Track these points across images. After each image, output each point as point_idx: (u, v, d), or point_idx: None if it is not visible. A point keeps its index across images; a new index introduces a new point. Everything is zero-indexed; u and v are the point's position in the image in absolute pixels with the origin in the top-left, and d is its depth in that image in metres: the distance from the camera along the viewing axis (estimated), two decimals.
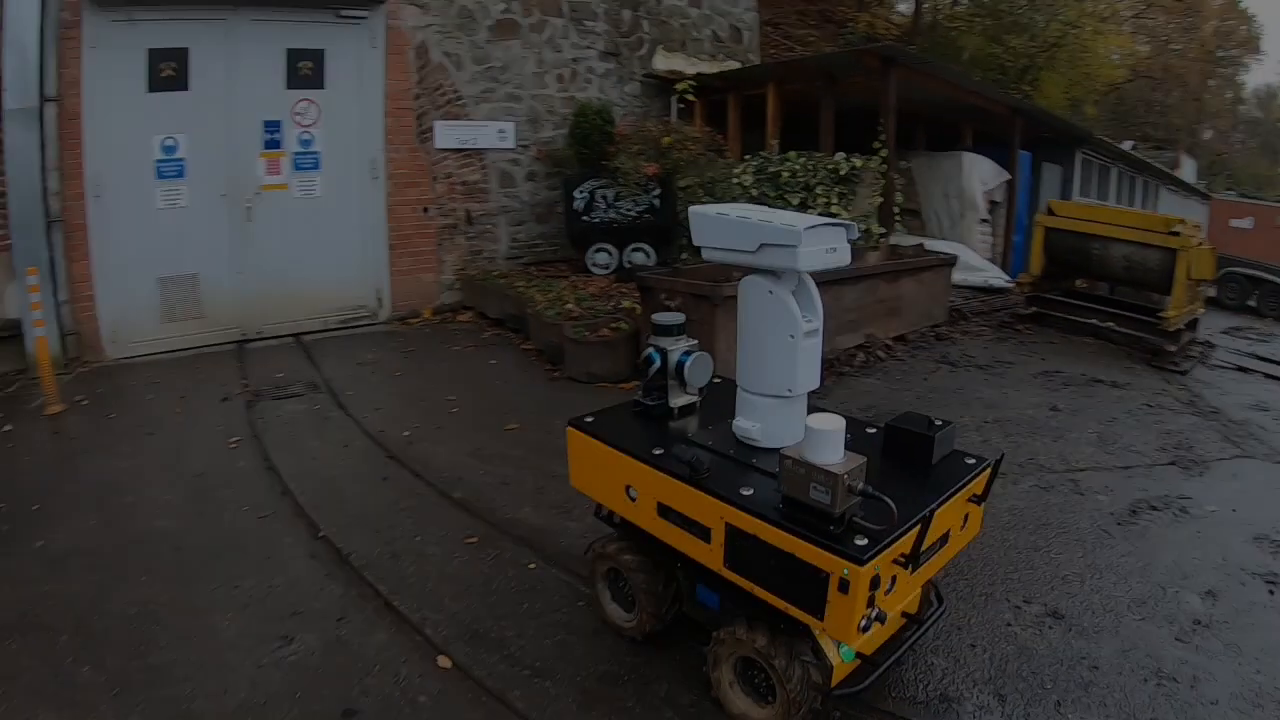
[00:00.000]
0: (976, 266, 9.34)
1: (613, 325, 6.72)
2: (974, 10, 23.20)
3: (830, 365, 6.43)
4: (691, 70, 10.43)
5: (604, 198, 8.86)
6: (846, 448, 2.35)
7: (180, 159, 8.16)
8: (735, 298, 5.25)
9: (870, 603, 2.20)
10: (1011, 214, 11.37)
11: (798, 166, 8.21)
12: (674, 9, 10.59)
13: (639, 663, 2.99)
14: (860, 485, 2.26)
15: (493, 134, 9.40)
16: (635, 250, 8.97)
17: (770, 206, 8.01)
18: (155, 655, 3.23)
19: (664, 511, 2.71)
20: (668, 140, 8.56)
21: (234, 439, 5.62)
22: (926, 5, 24.17)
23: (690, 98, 10.26)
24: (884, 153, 8.49)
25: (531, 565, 3.77)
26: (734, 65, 10.88)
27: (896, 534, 2.23)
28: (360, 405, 6.24)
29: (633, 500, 2.84)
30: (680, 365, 3.06)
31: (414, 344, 8.21)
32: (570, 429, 3.10)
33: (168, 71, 7.95)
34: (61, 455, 5.55)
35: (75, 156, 7.72)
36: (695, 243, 2.86)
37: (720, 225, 2.72)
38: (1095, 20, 22.94)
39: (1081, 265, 8.44)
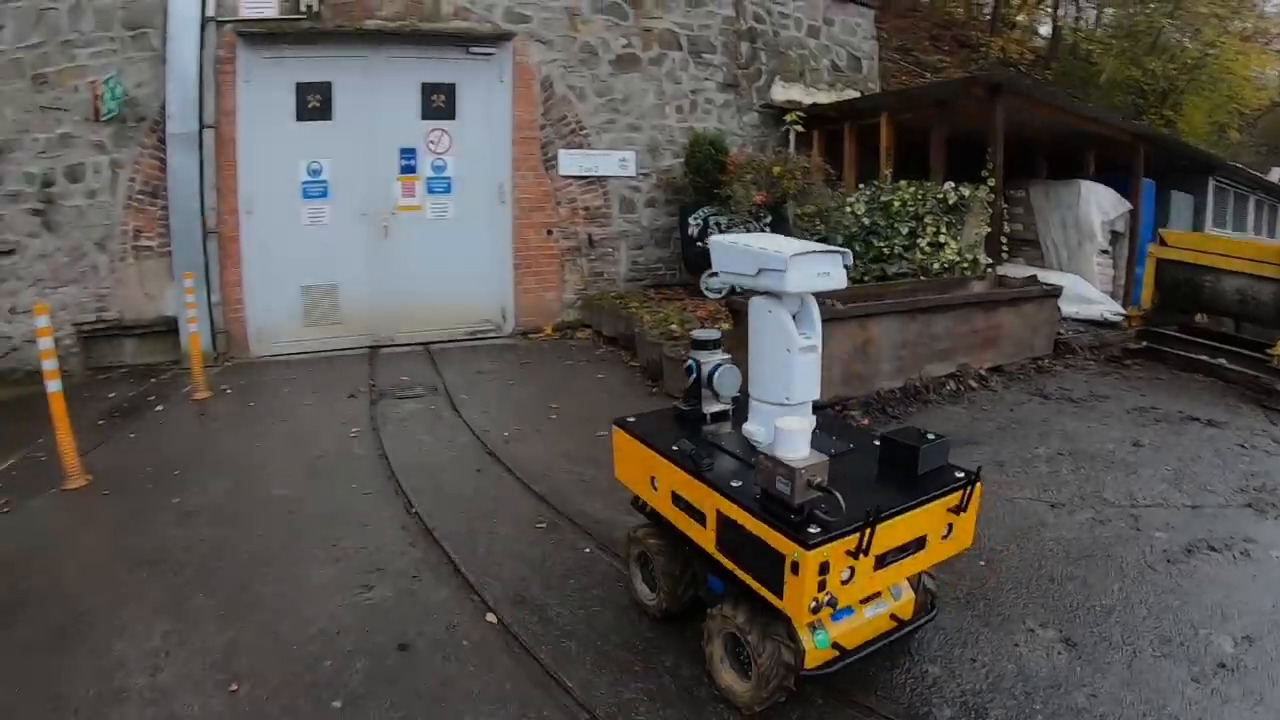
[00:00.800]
0: (1091, 299, 9.16)
1: None
2: (1112, 33, 22.43)
3: (916, 393, 6.54)
4: (808, 100, 10.73)
5: (717, 224, 9.25)
6: (851, 455, 2.77)
7: (324, 181, 9.18)
8: None
9: (821, 586, 2.47)
10: (1134, 245, 11.04)
11: (907, 196, 8.37)
12: (792, 40, 10.94)
13: (654, 636, 3.33)
14: (819, 480, 2.52)
15: (614, 162, 9.97)
16: None
17: (881, 235, 8.28)
18: (256, 591, 3.84)
19: (676, 500, 3.07)
20: (778, 170, 8.88)
21: (355, 429, 6.33)
22: (1064, 28, 23.51)
23: (799, 128, 10.55)
24: (991, 182, 8.50)
25: (586, 549, 4.18)
26: (852, 95, 11.10)
27: (847, 528, 2.48)
28: (471, 408, 6.83)
29: (655, 490, 3.21)
30: (711, 376, 3.37)
31: (530, 357, 8.81)
32: (615, 427, 3.50)
33: (314, 103, 8.96)
34: (203, 433, 6.45)
35: (230, 177, 8.86)
36: (714, 268, 3.24)
37: (732, 253, 3.11)
38: (1237, 39, 21.61)
39: (1193, 298, 8.14)
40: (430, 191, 9.54)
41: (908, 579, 3.05)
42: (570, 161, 9.83)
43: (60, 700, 3.02)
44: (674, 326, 7.82)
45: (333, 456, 5.73)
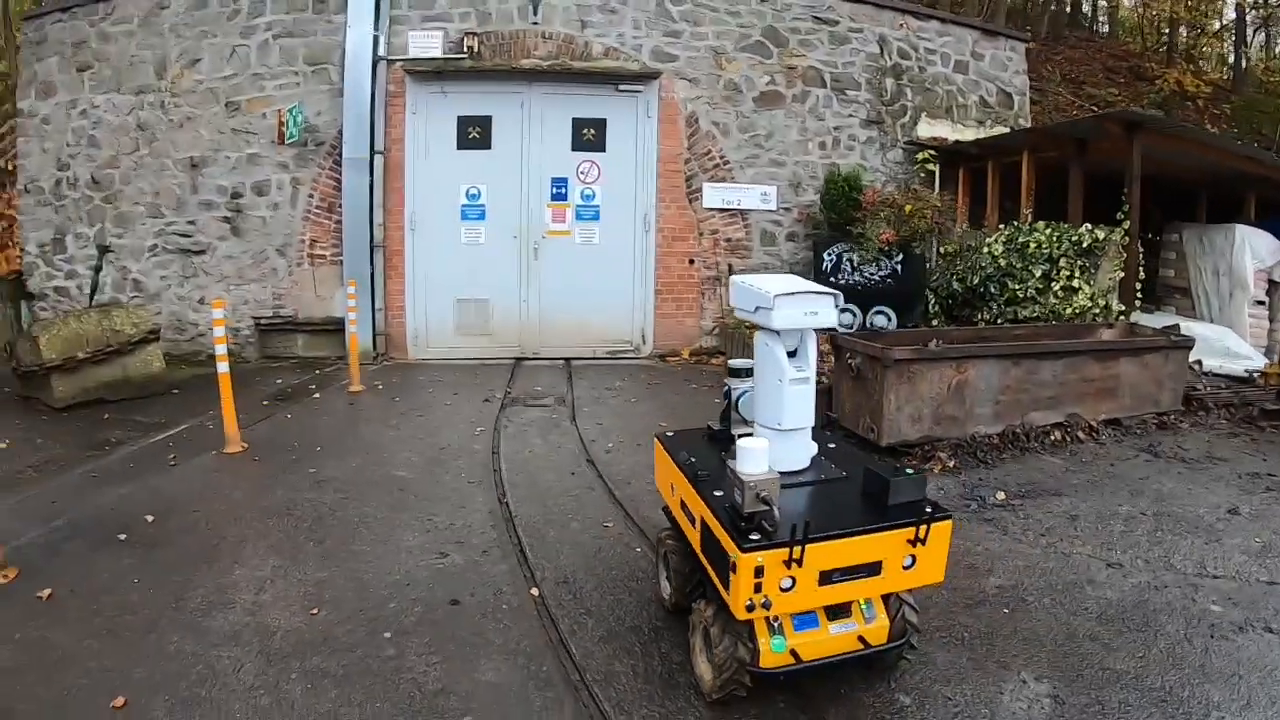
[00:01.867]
0: (1238, 353, 8.74)
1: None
2: None
3: (1014, 440, 6.49)
4: (954, 137, 10.81)
5: (850, 261, 9.56)
6: (840, 482, 3.25)
7: (482, 205, 10.31)
8: (904, 361, 6.17)
9: (757, 589, 2.84)
10: None
11: (1043, 238, 8.41)
12: (939, 76, 11.01)
13: (661, 626, 3.77)
14: (765, 494, 2.89)
15: (756, 196, 10.46)
16: (877, 313, 9.53)
17: (1016, 277, 8.40)
18: (355, 546, 4.69)
19: (682, 505, 3.52)
20: (909, 208, 9.11)
21: (480, 429, 7.16)
22: (1250, 58, 21.99)
23: (931, 166, 10.69)
24: (1127, 224, 8.43)
25: (637, 549, 4.67)
26: (1001, 131, 11.12)
27: (781, 540, 2.83)
28: (587, 420, 7.50)
29: (673, 495, 3.68)
30: (738, 400, 3.75)
31: (660, 379, 9.40)
32: (655, 439, 3.98)
33: (474, 134, 10.07)
34: (348, 419, 7.55)
35: (397, 197, 10.18)
36: (731, 303, 3.67)
37: (742, 291, 3.50)
38: None
39: None
40: (579, 218, 10.42)
41: (887, 605, 3.29)
42: (713, 194, 10.40)
43: (181, 601, 3.97)
44: None
45: (453, 449, 6.54)
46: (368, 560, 4.45)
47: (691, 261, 10.54)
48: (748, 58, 10.30)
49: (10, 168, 10.91)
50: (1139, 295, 8.74)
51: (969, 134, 10.92)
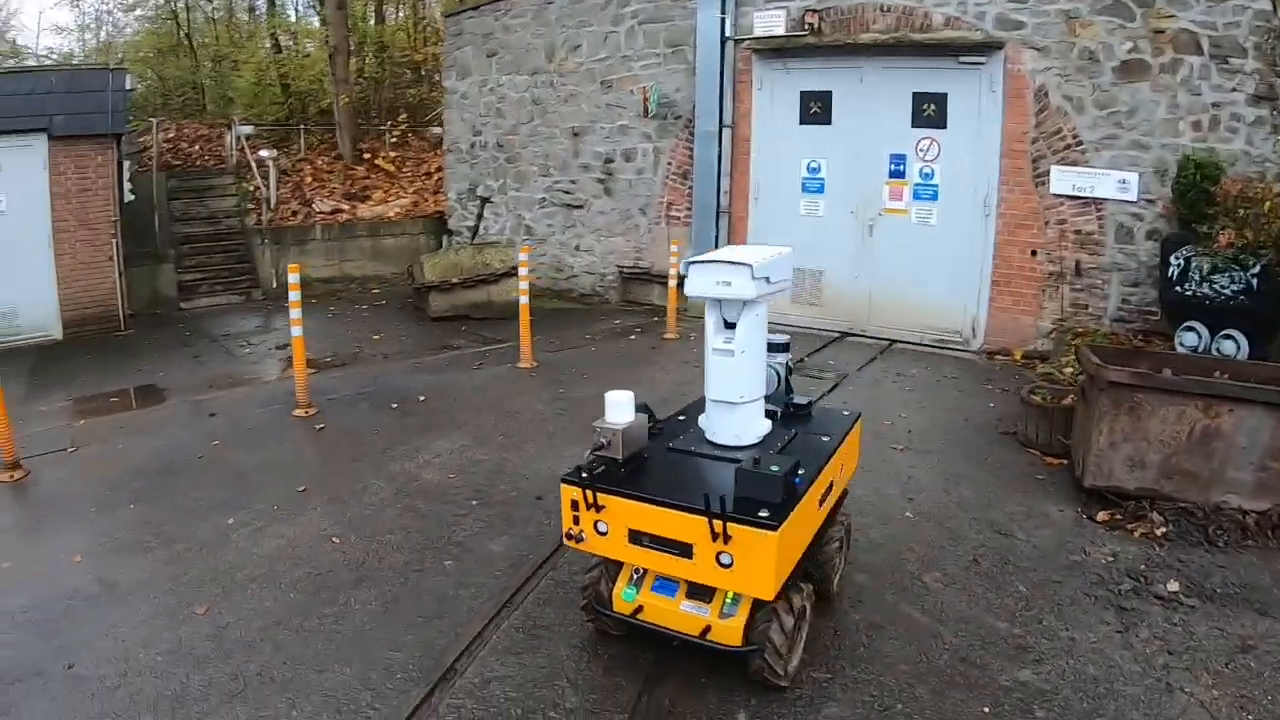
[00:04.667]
0: None
1: (1062, 396, 6.86)
2: None
3: (1211, 514, 5.27)
4: None
5: (1198, 268, 8.39)
6: (726, 465, 3.50)
7: (821, 179, 11.00)
8: (1124, 387, 5.35)
9: (575, 521, 3.51)
10: None
11: None
12: None
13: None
14: (605, 439, 3.49)
15: (1112, 184, 9.51)
16: (1225, 337, 8.10)
17: None
18: (557, 443, 6.66)
19: None
20: (1269, 205, 7.93)
21: None
22: None
23: None
24: None
25: None
26: None
27: (581, 480, 3.43)
28: (831, 400, 7.87)
29: None
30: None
31: (968, 375, 9.20)
32: None
33: (815, 109, 10.72)
34: (638, 358, 9.73)
35: (743, 168, 11.35)
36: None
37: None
38: None
39: None
40: (916, 198, 10.49)
41: (755, 614, 3.39)
42: (1063, 179, 9.67)
43: (389, 449, 6.59)
44: (1070, 371, 7.74)
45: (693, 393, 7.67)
46: (550, 456, 6.16)
47: (1034, 253, 9.94)
48: (1106, 21, 9.24)
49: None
50: None
51: None
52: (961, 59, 9.89)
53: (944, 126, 10.17)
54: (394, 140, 19.89)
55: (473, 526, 5.30)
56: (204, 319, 11.28)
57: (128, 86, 13.94)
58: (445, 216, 14.76)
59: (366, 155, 18.77)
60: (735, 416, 3.71)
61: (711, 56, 10.90)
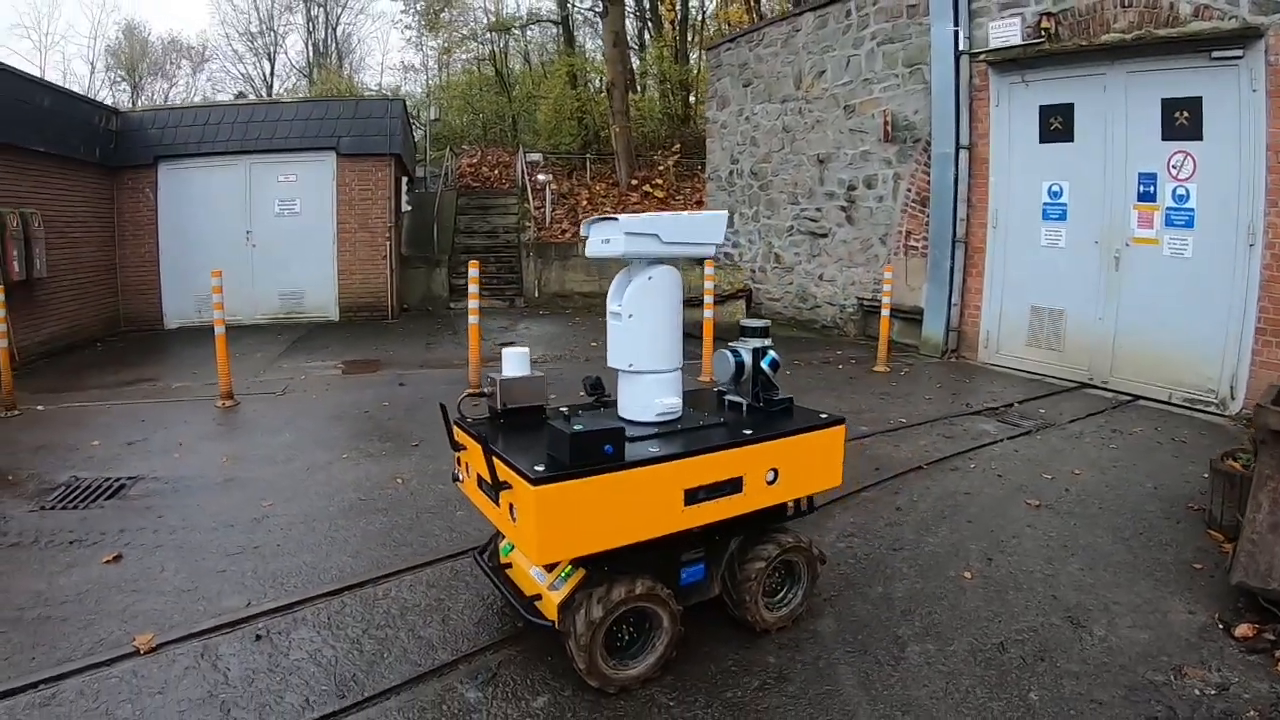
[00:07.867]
0: None
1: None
2: None
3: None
4: None
5: None
6: (602, 432, 3.13)
7: (1063, 204, 10.24)
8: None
9: (457, 462, 3.79)
10: None
11: None
12: None
13: None
14: (486, 390, 3.75)
15: None
16: None
17: None
18: None
19: None
20: None
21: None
22: None
23: None
24: None
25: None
26: None
27: (457, 418, 3.68)
28: (1003, 448, 7.22)
29: None
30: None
31: (1198, 440, 7.70)
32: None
33: (1055, 125, 10.17)
34: (817, 386, 9.58)
35: (982, 193, 10.98)
36: None
37: None
38: None
39: None
40: (1168, 224, 9.27)
41: (574, 595, 3.34)
42: None
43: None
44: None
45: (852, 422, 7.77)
46: None
47: None
48: None
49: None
50: None
51: None
52: (1215, 54, 8.67)
53: (1199, 137, 8.92)
54: (663, 169, 21.63)
55: None
56: (464, 317, 12.43)
57: (433, 117, 17.25)
58: None
59: (639, 182, 20.74)
60: (634, 389, 3.65)
61: (946, 73, 10.82)
